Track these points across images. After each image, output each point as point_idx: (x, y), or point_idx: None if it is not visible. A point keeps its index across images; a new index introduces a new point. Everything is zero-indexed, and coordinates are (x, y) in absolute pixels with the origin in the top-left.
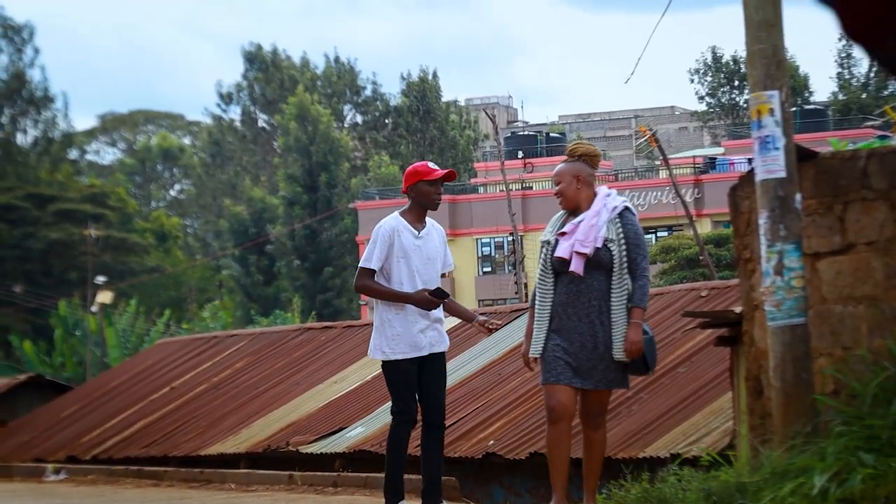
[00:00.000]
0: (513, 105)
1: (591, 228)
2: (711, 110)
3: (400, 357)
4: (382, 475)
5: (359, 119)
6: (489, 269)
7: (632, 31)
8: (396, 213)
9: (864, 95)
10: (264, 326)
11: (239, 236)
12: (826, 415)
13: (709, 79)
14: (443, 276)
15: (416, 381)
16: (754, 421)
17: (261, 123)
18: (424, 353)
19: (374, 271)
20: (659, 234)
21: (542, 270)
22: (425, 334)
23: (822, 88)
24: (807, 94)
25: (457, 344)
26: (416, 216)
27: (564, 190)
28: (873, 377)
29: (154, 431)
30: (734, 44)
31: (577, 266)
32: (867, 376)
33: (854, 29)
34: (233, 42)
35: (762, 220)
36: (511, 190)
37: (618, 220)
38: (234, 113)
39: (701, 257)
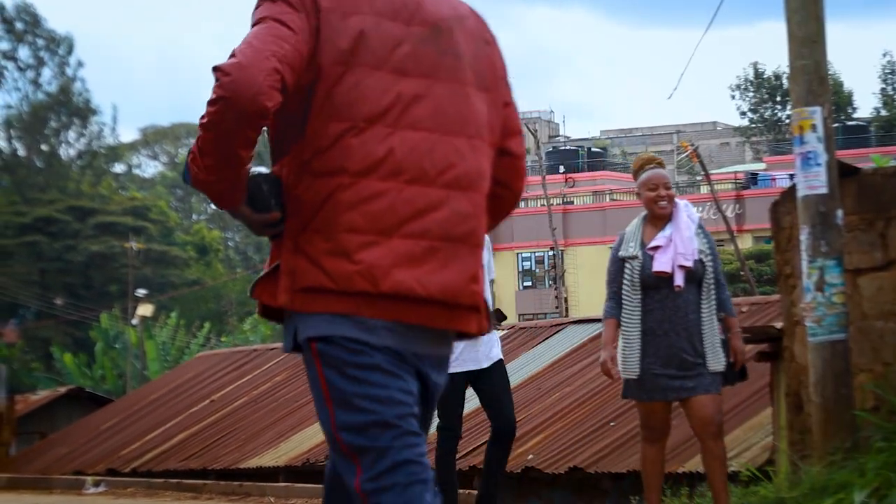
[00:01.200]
0: (554, 120)
1: (689, 241)
2: (753, 126)
3: (453, 370)
4: None
5: None
6: (530, 283)
7: (674, 46)
8: None
9: None
10: None
11: None
12: (866, 431)
13: (751, 94)
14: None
15: (462, 397)
16: (794, 436)
17: None
18: (481, 365)
19: None
20: None
21: (628, 286)
22: (476, 347)
23: (866, 104)
24: (850, 111)
25: None
26: None
27: (672, 196)
28: None
29: (193, 444)
30: (776, 59)
31: (680, 279)
32: None
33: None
34: None
35: (803, 235)
36: (552, 205)
37: (699, 230)
38: None
39: (742, 272)
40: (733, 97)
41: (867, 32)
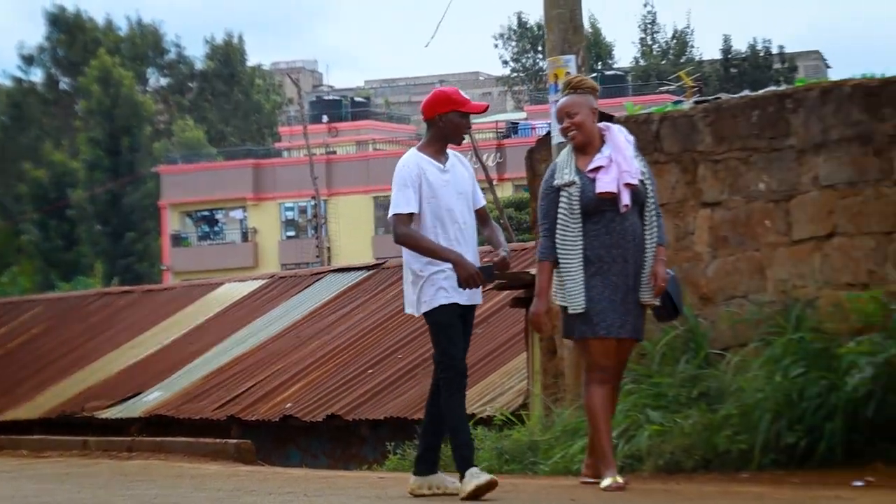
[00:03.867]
0: (318, 69)
1: (631, 160)
2: (515, 75)
3: (442, 302)
4: (177, 439)
5: (163, 82)
6: (293, 233)
7: None
8: (414, 150)
9: (664, 62)
10: (65, 292)
11: (39, 201)
12: None
13: (513, 43)
14: (477, 212)
15: (461, 332)
16: (547, 380)
17: (63, 86)
18: (474, 300)
19: (412, 215)
20: None
21: (565, 215)
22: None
23: (628, 55)
24: (610, 61)
25: (256, 308)
26: (438, 149)
27: (584, 122)
28: (662, 337)
29: None
30: (540, 8)
31: (627, 199)
32: (656, 336)
33: None
34: (34, 3)
35: None
36: (315, 154)
37: (637, 153)
38: (36, 76)
39: (501, 220)
40: (496, 46)
41: None
